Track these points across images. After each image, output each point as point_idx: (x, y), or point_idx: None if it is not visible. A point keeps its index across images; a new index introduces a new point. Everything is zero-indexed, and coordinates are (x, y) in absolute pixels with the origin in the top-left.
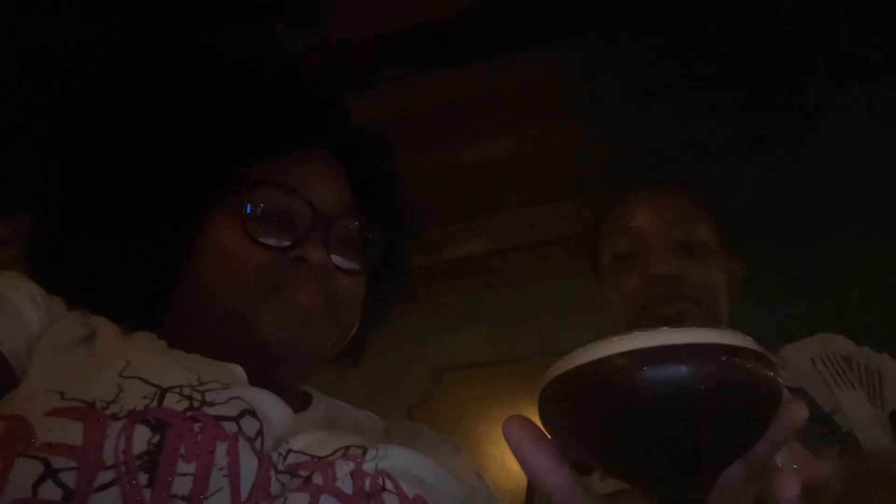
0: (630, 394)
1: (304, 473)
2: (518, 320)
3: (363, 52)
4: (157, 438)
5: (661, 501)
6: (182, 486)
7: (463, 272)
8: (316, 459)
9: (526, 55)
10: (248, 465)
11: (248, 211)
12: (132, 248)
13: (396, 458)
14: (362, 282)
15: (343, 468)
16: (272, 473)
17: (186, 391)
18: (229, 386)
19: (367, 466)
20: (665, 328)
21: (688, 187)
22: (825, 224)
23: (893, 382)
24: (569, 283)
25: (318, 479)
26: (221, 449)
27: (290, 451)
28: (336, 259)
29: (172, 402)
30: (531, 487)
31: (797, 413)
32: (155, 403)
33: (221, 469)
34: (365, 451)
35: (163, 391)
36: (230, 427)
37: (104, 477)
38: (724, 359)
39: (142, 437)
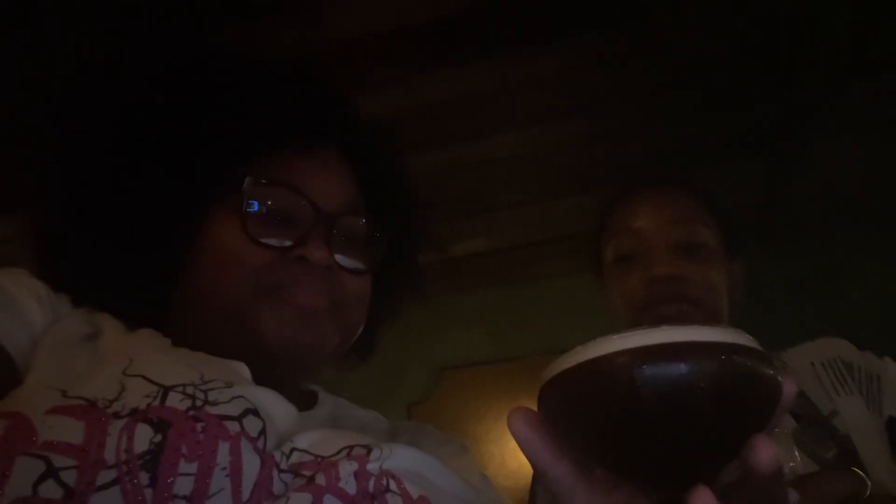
0: (629, 392)
1: (307, 473)
2: (518, 319)
3: (363, 51)
4: (158, 438)
5: (661, 499)
6: (184, 485)
7: (463, 271)
8: (319, 459)
9: (526, 54)
10: (251, 464)
11: (248, 210)
12: (133, 246)
13: (401, 459)
14: (368, 281)
15: (347, 468)
16: (275, 473)
17: (189, 390)
18: (232, 384)
19: (371, 467)
20: (665, 326)
21: (689, 188)
22: (825, 224)
23: (892, 389)
24: (569, 282)
25: (321, 480)
26: (224, 449)
27: (293, 449)
28: (340, 258)
29: (175, 400)
30: (535, 483)
31: (787, 389)
32: (157, 402)
33: (223, 469)
34: (369, 450)
35: (165, 390)
36: (233, 426)
37: (105, 476)
38: (723, 357)
39: (143, 436)
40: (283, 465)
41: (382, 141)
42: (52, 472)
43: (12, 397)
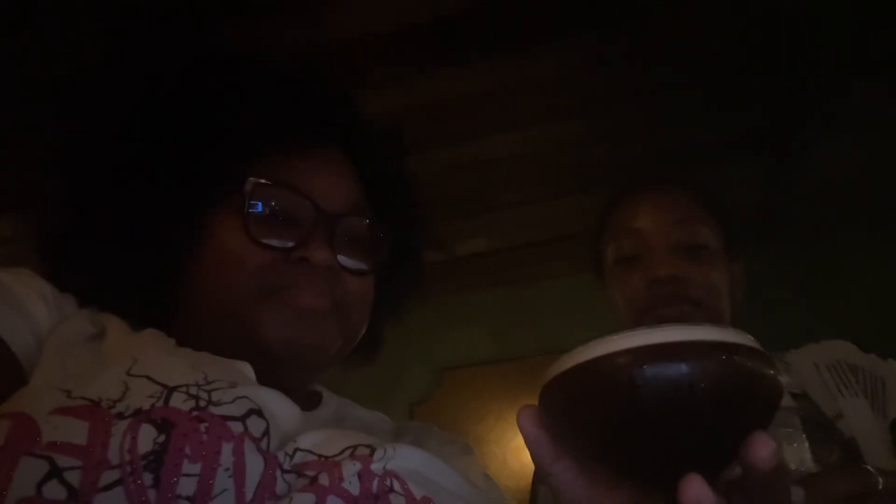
0: (630, 392)
1: (310, 473)
2: (519, 319)
3: (363, 51)
4: (162, 438)
5: (662, 498)
6: (187, 486)
7: (464, 271)
8: (323, 459)
9: (526, 54)
10: (254, 465)
11: (250, 211)
12: (135, 246)
13: (405, 459)
14: (371, 281)
15: (350, 469)
16: (278, 473)
17: (193, 390)
18: (236, 385)
19: (375, 467)
20: (666, 326)
21: (691, 189)
22: (825, 224)
23: None
24: (570, 282)
25: (324, 480)
26: (227, 449)
27: (296, 449)
28: (342, 259)
29: (179, 401)
30: (536, 483)
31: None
32: (161, 402)
33: (227, 470)
34: (373, 450)
35: (169, 390)
36: (236, 427)
37: (109, 476)
38: (723, 357)
39: (147, 437)
40: (287, 466)
41: (385, 141)
42: (55, 473)
43: (17, 397)
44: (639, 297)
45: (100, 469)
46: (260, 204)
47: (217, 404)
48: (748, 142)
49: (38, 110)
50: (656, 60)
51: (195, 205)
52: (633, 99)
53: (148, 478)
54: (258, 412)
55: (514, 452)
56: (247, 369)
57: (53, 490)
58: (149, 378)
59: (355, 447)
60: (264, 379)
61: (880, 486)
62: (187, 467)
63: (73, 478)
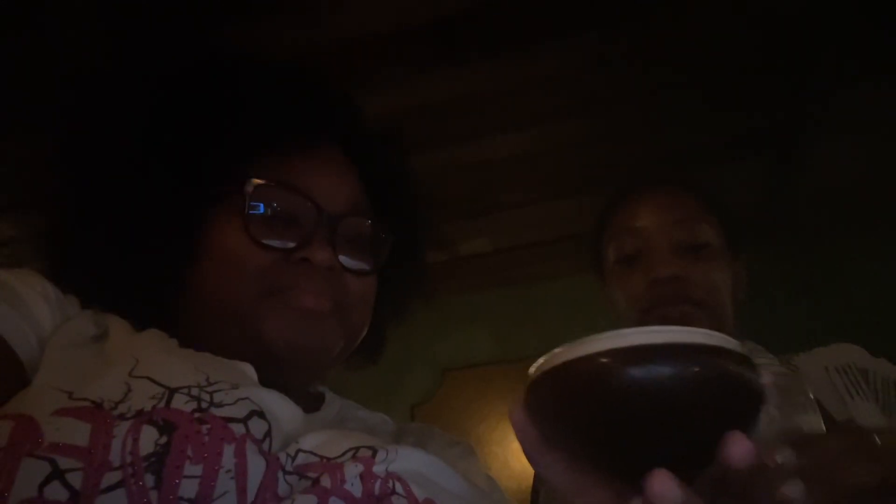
0: (612, 391)
1: (312, 475)
2: (520, 319)
3: (363, 51)
4: (164, 440)
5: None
6: (189, 488)
7: (465, 271)
8: (325, 460)
9: (526, 54)
10: (256, 466)
11: (250, 212)
12: (136, 247)
13: (407, 461)
14: (372, 281)
15: (352, 470)
16: (280, 475)
17: (195, 392)
18: (238, 386)
19: (377, 468)
20: (651, 327)
21: (692, 187)
22: (826, 224)
23: None
24: (571, 282)
25: (326, 482)
26: (229, 451)
27: (298, 451)
28: (344, 259)
29: (180, 402)
30: (537, 483)
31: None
32: (163, 404)
33: (228, 471)
34: (375, 452)
35: (171, 391)
36: (238, 429)
37: (111, 478)
38: (706, 360)
39: (149, 438)
40: (289, 467)
41: (387, 140)
42: (57, 474)
43: (19, 398)
44: (640, 297)
45: (101, 470)
46: (261, 204)
47: (219, 406)
48: (748, 142)
49: (39, 110)
50: (657, 60)
51: (196, 205)
52: (634, 99)
53: (150, 479)
54: (260, 413)
55: (515, 453)
56: (249, 370)
57: (55, 491)
58: (150, 379)
59: (357, 448)
60: (266, 380)
61: (877, 441)
62: (189, 469)
63: (75, 479)
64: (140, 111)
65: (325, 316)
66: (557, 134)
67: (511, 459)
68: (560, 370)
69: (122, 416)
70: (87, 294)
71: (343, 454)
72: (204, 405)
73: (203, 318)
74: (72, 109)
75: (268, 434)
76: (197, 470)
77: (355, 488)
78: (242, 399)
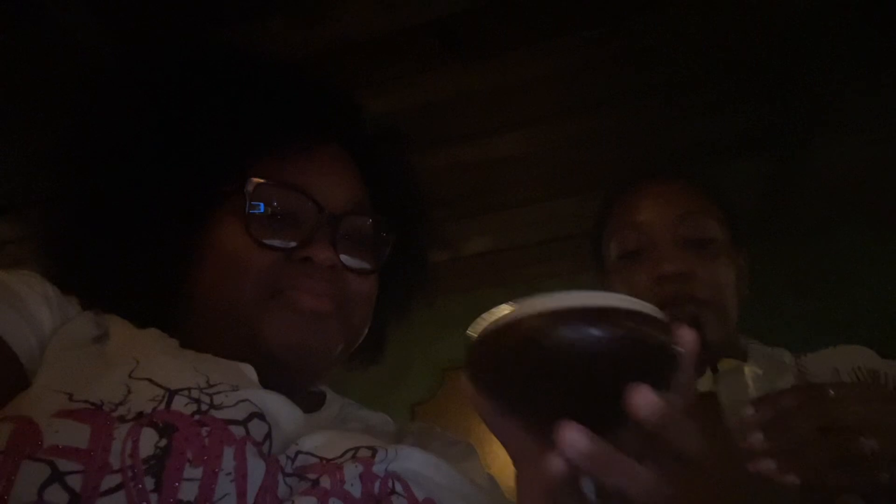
0: (545, 350)
1: (312, 476)
2: None
3: (364, 51)
4: (164, 442)
5: None
6: (188, 490)
7: (465, 271)
8: (324, 461)
9: (527, 54)
10: (256, 469)
11: (251, 211)
12: (136, 248)
13: (407, 461)
14: (374, 281)
15: (352, 471)
16: (279, 477)
17: (195, 394)
18: (238, 388)
19: (377, 468)
20: (581, 292)
21: (696, 181)
22: (830, 223)
23: None
24: (572, 282)
25: (325, 483)
26: (229, 453)
27: (298, 452)
28: (345, 258)
29: (180, 404)
30: None
31: (686, 338)
32: (163, 406)
33: (228, 474)
34: (375, 452)
35: (171, 393)
36: (238, 431)
37: (110, 481)
38: (632, 323)
39: (149, 441)
40: (289, 469)
41: (389, 139)
42: (57, 477)
43: (19, 400)
44: (646, 294)
45: (101, 473)
46: (261, 204)
47: (219, 408)
48: (750, 141)
49: (39, 110)
50: (656, 60)
51: (197, 206)
52: (634, 98)
53: (149, 482)
54: (260, 415)
55: None
56: (249, 372)
57: (55, 494)
58: (151, 381)
59: (357, 449)
60: (267, 381)
61: (831, 394)
62: (189, 471)
63: (75, 482)
64: (140, 111)
65: (326, 317)
66: (557, 134)
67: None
68: (499, 331)
69: (121, 419)
70: (87, 295)
71: (343, 454)
72: (204, 407)
73: (204, 319)
74: (72, 109)
75: (268, 436)
76: (197, 472)
77: (355, 488)
78: (242, 401)
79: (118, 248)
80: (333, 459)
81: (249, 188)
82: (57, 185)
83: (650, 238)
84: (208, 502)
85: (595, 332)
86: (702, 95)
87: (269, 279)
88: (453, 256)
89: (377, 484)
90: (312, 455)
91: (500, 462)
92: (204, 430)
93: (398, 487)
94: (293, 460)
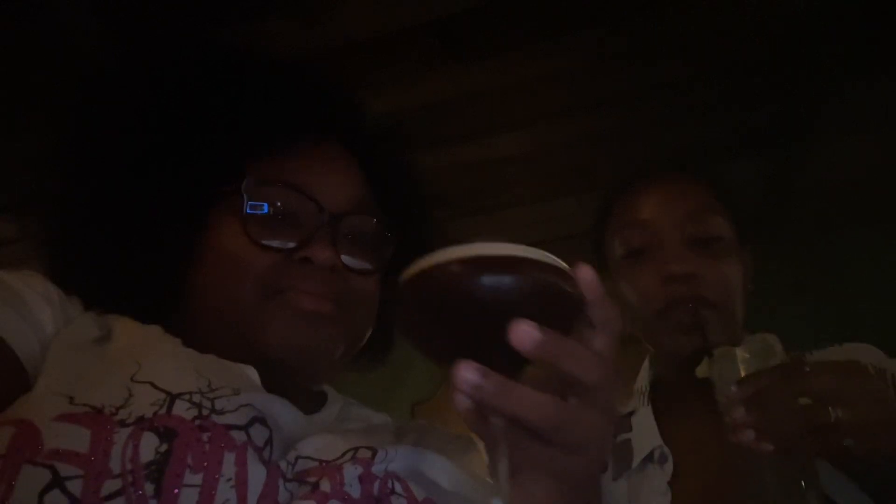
0: (463, 294)
1: (311, 480)
2: None
3: (363, 51)
4: (164, 447)
5: None
6: (188, 497)
7: None
8: (324, 464)
9: (527, 53)
10: (256, 475)
11: (249, 212)
12: (135, 249)
13: (407, 460)
14: (376, 281)
15: (351, 472)
16: (280, 482)
17: (196, 398)
18: (240, 392)
19: (377, 469)
20: (498, 243)
21: (700, 177)
22: (829, 222)
23: None
24: None
25: (325, 486)
26: (229, 459)
27: (298, 457)
28: (346, 259)
29: (181, 409)
30: None
31: (584, 273)
32: (164, 410)
33: (229, 480)
34: (374, 453)
35: (172, 397)
36: (239, 436)
37: (110, 486)
38: (537, 271)
39: (149, 446)
40: (289, 475)
41: (391, 138)
42: (57, 482)
43: (20, 403)
44: (653, 295)
45: (101, 478)
46: (260, 204)
47: (220, 413)
48: (751, 140)
49: (39, 110)
50: (657, 59)
51: (196, 206)
52: (635, 98)
53: (149, 488)
54: (262, 420)
55: None
56: (252, 373)
57: (55, 500)
58: (152, 385)
59: (357, 449)
60: (270, 382)
61: (806, 371)
62: (189, 478)
63: (75, 487)
64: (140, 111)
65: (327, 318)
66: (558, 133)
67: None
68: (421, 275)
69: (122, 423)
70: (88, 296)
71: (342, 455)
72: (205, 412)
73: (203, 320)
74: (72, 109)
75: (269, 441)
76: (197, 479)
77: (354, 490)
78: (244, 405)
79: (117, 249)
80: (333, 461)
81: (247, 187)
82: (57, 186)
83: (657, 237)
84: None
85: (507, 278)
86: (702, 95)
87: (269, 280)
88: None
89: (377, 485)
90: (311, 459)
91: None
92: (205, 436)
93: (398, 488)
94: (293, 465)
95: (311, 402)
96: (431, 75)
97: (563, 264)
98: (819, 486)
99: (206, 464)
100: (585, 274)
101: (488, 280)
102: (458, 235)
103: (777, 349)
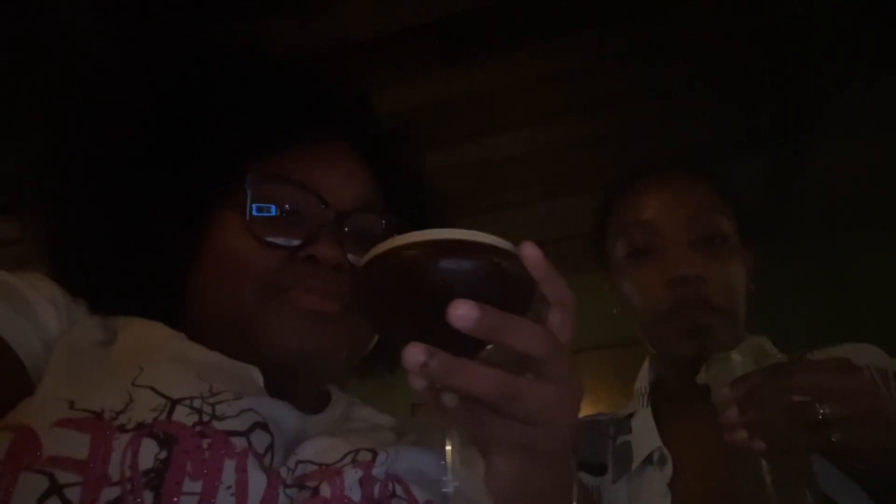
0: (421, 277)
1: (312, 484)
2: None
3: (363, 51)
4: (164, 454)
5: None
6: None
7: None
8: (324, 467)
9: (527, 54)
10: (257, 482)
11: (253, 209)
12: (137, 249)
13: (408, 461)
14: None
15: (352, 476)
16: (280, 489)
17: (197, 403)
18: (242, 396)
19: (377, 471)
20: (454, 229)
21: (704, 175)
22: (829, 222)
23: None
24: (572, 283)
25: (325, 491)
26: (230, 466)
27: (298, 462)
28: (352, 258)
29: (182, 415)
30: None
31: (528, 251)
32: (164, 416)
33: (229, 487)
34: (375, 455)
35: (173, 403)
36: (240, 443)
37: (109, 493)
38: (495, 259)
39: (149, 452)
40: (289, 481)
41: (398, 136)
42: (56, 489)
43: (21, 408)
44: (659, 297)
45: (100, 485)
46: (263, 201)
47: (221, 419)
48: (751, 141)
49: (39, 111)
50: (657, 59)
51: (199, 204)
52: (635, 98)
53: (148, 496)
54: (263, 426)
55: None
56: (256, 374)
57: None
58: (153, 389)
59: (357, 451)
60: (274, 383)
61: (796, 370)
62: (188, 485)
63: (74, 494)
64: (141, 110)
65: (331, 318)
66: (558, 134)
67: None
68: (380, 258)
69: (122, 428)
70: (91, 297)
71: (342, 458)
72: (206, 418)
73: (207, 321)
74: (72, 110)
75: (270, 447)
76: (196, 486)
77: (355, 493)
78: (245, 410)
79: (119, 249)
80: (333, 464)
81: (251, 185)
82: (57, 186)
83: (661, 237)
84: None
85: (459, 262)
86: (702, 95)
87: (272, 279)
88: None
89: (377, 488)
90: (312, 462)
91: None
92: (205, 442)
93: (398, 490)
94: (293, 470)
95: (314, 403)
96: (431, 75)
97: (513, 247)
98: (818, 487)
99: (205, 471)
100: (530, 252)
101: (442, 264)
102: None
103: (771, 351)
